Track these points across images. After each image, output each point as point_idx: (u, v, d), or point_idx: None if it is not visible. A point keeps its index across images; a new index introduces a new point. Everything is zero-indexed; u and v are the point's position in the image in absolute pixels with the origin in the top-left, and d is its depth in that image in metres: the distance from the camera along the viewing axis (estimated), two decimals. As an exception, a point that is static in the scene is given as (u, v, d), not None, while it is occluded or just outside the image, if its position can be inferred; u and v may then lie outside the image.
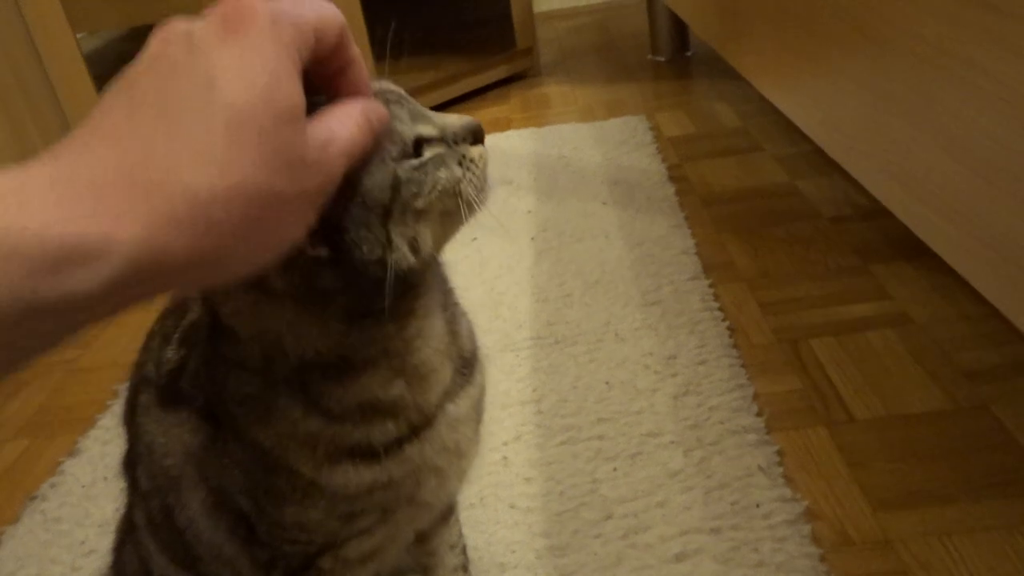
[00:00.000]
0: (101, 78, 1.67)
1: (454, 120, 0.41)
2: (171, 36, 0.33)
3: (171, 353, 0.51)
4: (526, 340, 1.03)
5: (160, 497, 0.51)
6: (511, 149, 1.65)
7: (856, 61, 0.76)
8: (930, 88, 0.63)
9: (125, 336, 1.19)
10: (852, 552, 0.68)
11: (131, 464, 0.56)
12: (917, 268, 1.05)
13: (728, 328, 0.99)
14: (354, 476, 0.44)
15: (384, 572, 0.55)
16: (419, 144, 0.39)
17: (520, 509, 0.77)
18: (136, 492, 0.56)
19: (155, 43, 0.34)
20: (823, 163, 1.36)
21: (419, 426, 0.46)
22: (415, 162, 0.39)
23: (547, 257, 1.22)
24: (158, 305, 0.54)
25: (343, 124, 0.35)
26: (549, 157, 1.59)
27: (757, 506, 0.72)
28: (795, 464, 0.77)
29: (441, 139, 0.40)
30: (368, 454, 0.44)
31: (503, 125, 1.81)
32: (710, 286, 1.08)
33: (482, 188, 0.41)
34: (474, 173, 0.41)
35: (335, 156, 0.34)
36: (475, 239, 1.30)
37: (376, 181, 0.37)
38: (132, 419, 0.54)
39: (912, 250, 1.07)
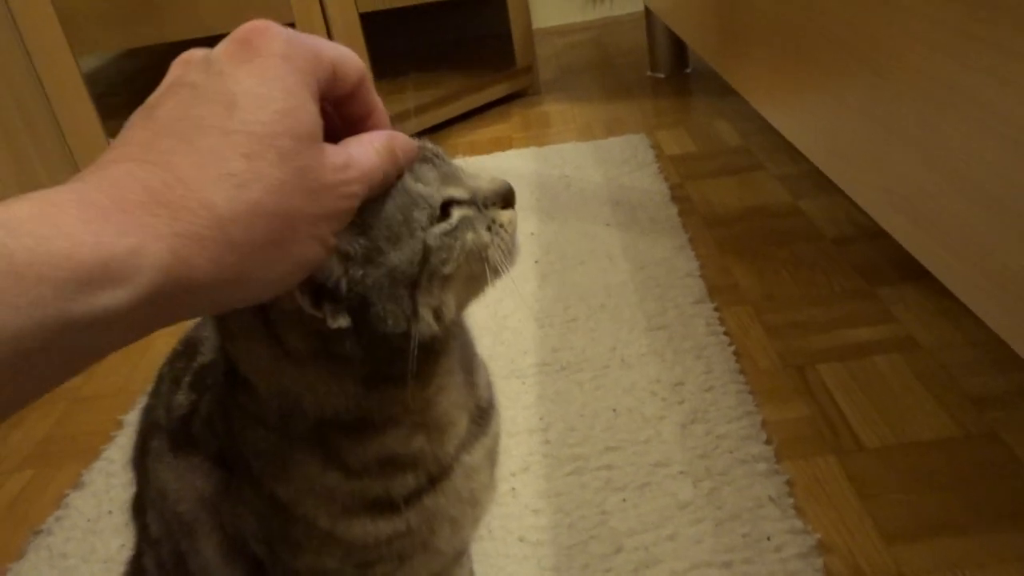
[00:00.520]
0: (100, 97, 1.67)
1: (486, 183, 0.41)
2: (191, 61, 0.34)
3: (182, 398, 0.50)
4: (531, 366, 1.02)
5: (172, 543, 0.50)
6: (513, 169, 1.65)
7: (859, 90, 0.76)
8: (935, 121, 0.63)
9: (127, 365, 1.18)
10: (865, 586, 0.68)
11: (141, 509, 0.55)
12: (922, 290, 1.05)
13: (734, 353, 0.99)
14: (372, 529, 0.44)
15: None
16: (447, 205, 0.39)
17: (529, 542, 0.77)
18: (146, 538, 0.55)
19: (175, 68, 0.35)
20: (825, 182, 1.36)
21: (436, 476, 0.46)
22: (444, 226, 0.38)
23: (551, 280, 1.22)
24: (163, 334, 0.54)
25: (363, 150, 0.35)
26: (551, 177, 1.59)
27: (768, 539, 0.72)
28: (805, 494, 0.77)
29: (471, 202, 0.40)
30: (387, 507, 0.44)
31: (504, 144, 1.81)
32: (715, 310, 1.08)
33: (510, 252, 0.41)
34: (502, 239, 0.40)
35: (353, 180, 0.34)
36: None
37: (406, 255, 0.37)
38: (142, 463, 0.54)
39: (916, 272, 1.07)
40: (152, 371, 0.55)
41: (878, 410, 0.86)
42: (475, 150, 1.80)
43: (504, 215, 0.41)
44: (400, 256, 0.37)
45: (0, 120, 1.41)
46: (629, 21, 2.74)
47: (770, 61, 1.06)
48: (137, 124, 0.33)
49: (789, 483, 0.78)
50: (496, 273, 0.40)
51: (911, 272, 1.08)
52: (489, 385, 0.51)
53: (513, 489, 0.83)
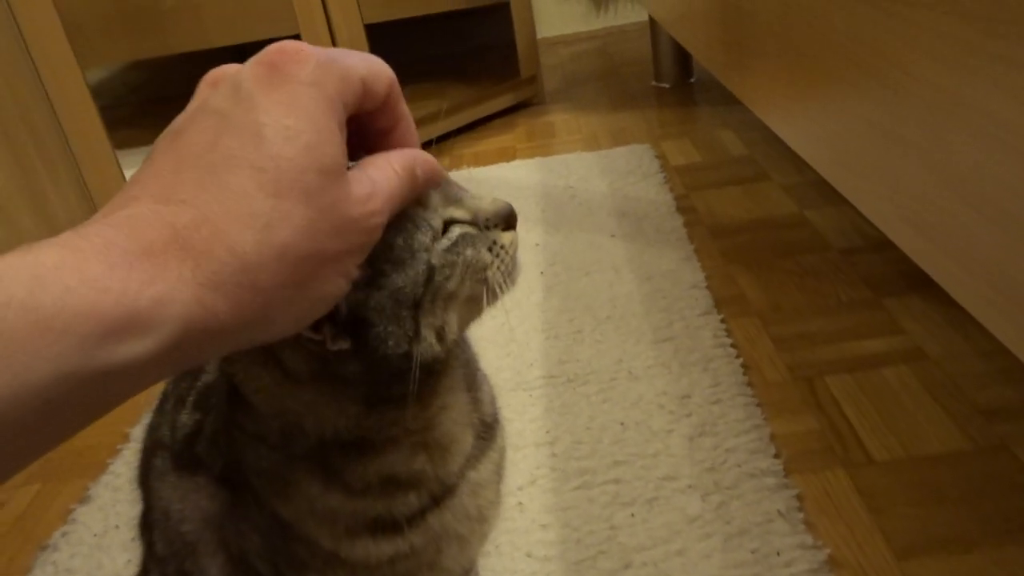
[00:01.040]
0: (106, 109, 1.68)
1: (487, 205, 0.41)
2: (219, 83, 0.33)
3: (186, 417, 0.50)
4: (538, 379, 1.02)
5: (177, 562, 0.50)
6: (517, 180, 1.66)
7: (864, 101, 0.76)
8: (941, 132, 0.63)
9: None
10: (876, 602, 0.67)
11: (147, 527, 0.55)
12: (929, 301, 1.04)
13: (742, 365, 0.98)
14: (374, 549, 0.44)
15: None
16: (448, 225, 0.39)
17: (537, 558, 0.76)
18: (152, 556, 0.55)
19: (203, 90, 0.34)
20: (831, 192, 1.36)
21: (441, 496, 0.45)
22: (445, 242, 0.38)
23: (556, 292, 1.22)
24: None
25: (384, 175, 0.34)
26: (556, 188, 1.59)
27: (778, 554, 0.72)
28: (815, 508, 0.77)
29: (472, 223, 0.40)
30: (390, 527, 0.44)
31: (509, 155, 1.81)
32: (722, 321, 1.08)
33: (510, 273, 0.41)
34: (503, 260, 0.40)
35: (378, 211, 0.33)
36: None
37: (410, 276, 0.37)
38: (147, 482, 0.54)
39: (923, 283, 1.07)
40: (157, 385, 0.55)
41: (887, 423, 0.86)
42: (480, 161, 1.80)
43: (506, 236, 0.41)
44: (404, 278, 0.37)
45: (6, 132, 1.41)
46: (633, 31, 2.75)
47: (775, 71, 1.06)
48: (162, 151, 0.32)
49: (799, 497, 0.78)
50: (495, 295, 0.40)
51: (918, 283, 1.08)
52: (493, 400, 0.50)
53: (520, 503, 0.83)
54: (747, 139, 1.68)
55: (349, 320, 0.36)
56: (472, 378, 0.48)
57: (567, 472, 0.86)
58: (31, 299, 0.25)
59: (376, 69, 0.35)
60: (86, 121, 1.65)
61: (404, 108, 0.37)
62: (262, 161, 0.30)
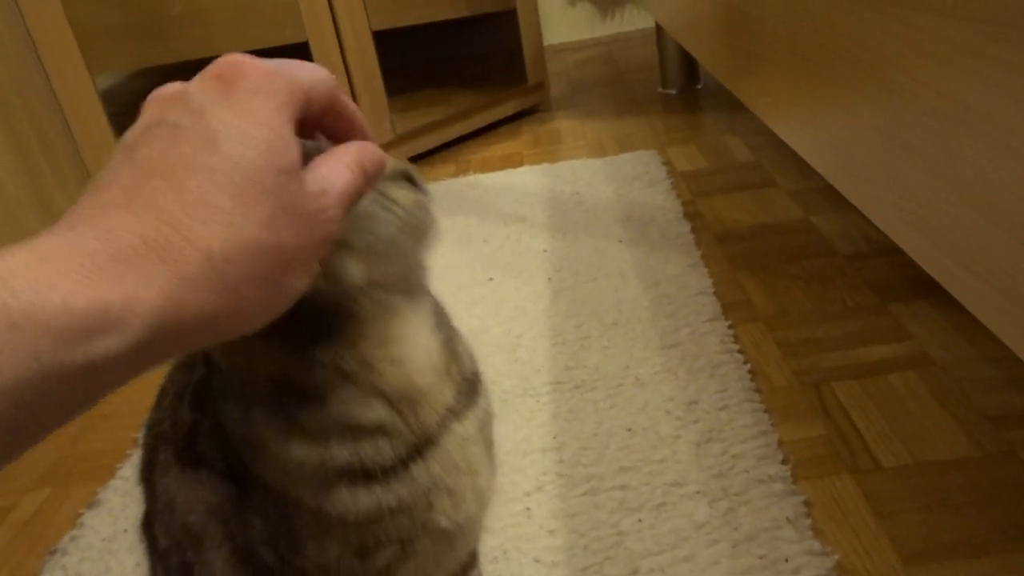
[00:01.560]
0: (116, 116, 1.69)
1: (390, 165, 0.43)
2: (167, 100, 0.35)
3: (186, 414, 0.51)
4: (545, 385, 1.02)
5: (179, 554, 0.50)
6: (524, 186, 1.66)
7: (871, 107, 0.76)
8: (948, 138, 0.63)
9: (141, 383, 1.18)
10: (884, 608, 0.67)
11: (149, 525, 0.55)
12: (935, 306, 1.04)
13: (749, 371, 0.98)
14: (351, 502, 0.44)
15: None
16: None
17: (544, 564, 0.76)
18: (155, 553, 0.55)
19: (152, 108, 0.35)
20: (837, 198, 1.36)
21: (422, 446, 0.45)
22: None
23: (563, 298, 1.22)
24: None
25: (336, 171, 0.36)
26: (562, 194, 1.60)
27: (786, 560, 0.71)
28: (823, 515, 0.77)
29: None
30: (361, 475, 0.44)
31: (516, 161, 1.82)
32: (729, 327, 1.08)
33: (413, 228, 0.43)
34: (393, 213, 0.42)
35: (333, 204, 0.35)
36: (491, 279, 1.31)
37: None
38: (150, 478, 0.54)
39: (930, 288, 1.07)
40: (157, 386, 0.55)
41: (894, 429, 0.86)
42: (486, 167, 1.81)
43: (398, 192, 0.43)
44: None
45: (16, 138, 1.43)
46: (640, 37, 2.75)
47: (781, 77, 1.06)
48: (119, 163, 0.33)
49: (806, 504, 0.78)
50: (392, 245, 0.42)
51: (925, 288, 1.08)
52: (472, 357, 0.51)
53: (527, 509, 0.83)
54: (753, 145, 1.69)
55: None
56: (447, 334, 0.48)
57: (574, 478, 0.86)
58: (2, 300, 0.26)
59: (317, 76, 0.37)
60: (96, 127, 1.66)
61: (351, 107, 0.39)
62: (219, 163, 0.32)
